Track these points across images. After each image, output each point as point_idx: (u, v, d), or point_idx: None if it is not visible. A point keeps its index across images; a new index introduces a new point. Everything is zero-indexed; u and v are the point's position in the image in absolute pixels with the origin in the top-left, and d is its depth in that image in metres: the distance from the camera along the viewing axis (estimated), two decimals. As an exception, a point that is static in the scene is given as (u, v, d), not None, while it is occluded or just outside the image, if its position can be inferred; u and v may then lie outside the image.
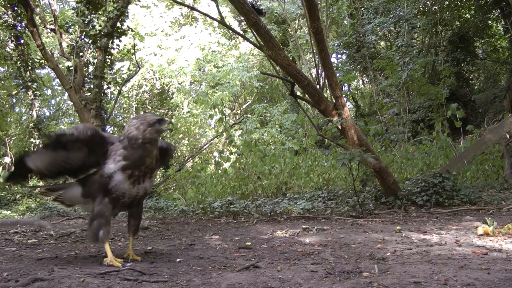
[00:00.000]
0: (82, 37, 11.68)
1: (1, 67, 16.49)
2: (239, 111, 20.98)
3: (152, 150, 2.74)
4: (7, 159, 12.59)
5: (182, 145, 20.18)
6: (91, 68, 11.92)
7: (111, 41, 11.52)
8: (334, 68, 6.55)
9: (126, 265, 2.55)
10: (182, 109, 20.35)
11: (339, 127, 5.17)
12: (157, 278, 2.20)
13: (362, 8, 16.69)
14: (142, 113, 19.74)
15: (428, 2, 15.23)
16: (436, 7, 14.72)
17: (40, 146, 2.79)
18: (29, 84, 13.58)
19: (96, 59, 11.50)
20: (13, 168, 2.85)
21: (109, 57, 11.88)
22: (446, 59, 14.71)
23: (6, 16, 12.83)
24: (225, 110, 12.88)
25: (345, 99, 7.84)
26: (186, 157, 17.06)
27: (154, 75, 20.79)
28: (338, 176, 7.51)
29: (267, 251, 3.06)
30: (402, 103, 12.83)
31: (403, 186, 5.57)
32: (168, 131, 18.89)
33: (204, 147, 16.94)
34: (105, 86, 12.13)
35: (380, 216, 4.86)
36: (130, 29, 12.57)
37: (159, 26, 20.55)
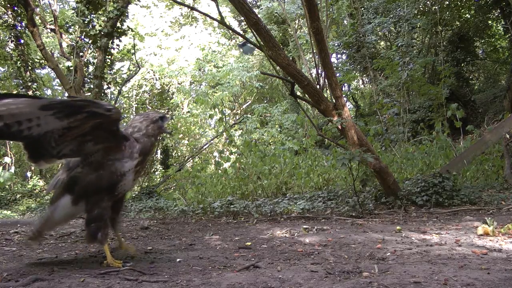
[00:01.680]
0: (82, 37, 11.70)
1: (1, 67, 16.50)
2: (239, 111, 20.98)
3: (154, 145, 2.76)
4: (7, 159, 12.59)
5: (182, 145, 20.18)
6: (91, 68, 11.95)
7: (111, 41, 11.54)
8: (334, 68, 6.55)
9: (126, 265, 2.55)
10: (182, 109, 20.36)
11: (339, 127, 5.17)
12: (157, 278, 2.20)
13: (362, 8, 16.70)
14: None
15: (428, 2, 15.24)
16: (436, 7, 14.74)
17: (38, 98, 2.37)
18: (29, 84, 13.60)
19: (96, 59, 11.53)
20: None
21: (109, 57, 11.91)
22: (446, 59, 14.73)
23: (6, 16, 12.85)
24: (225, 110, 12.90)
25: (345, 99, 7.85)
26: (186, 157, 17.06)
27: (154, 75, 20.80)
28: (338, 176, 7.50)
29: (267, 251, 3.06)
30: (402, 103, 12.83)
31: (403, 186, 5.57)
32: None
33: (204, 147, 16.94)
34: (105, 86, 12.16)
35: (380, 216, 4.86)
36: (130, 29, 12.60)
37: (159, 26, 20.58)
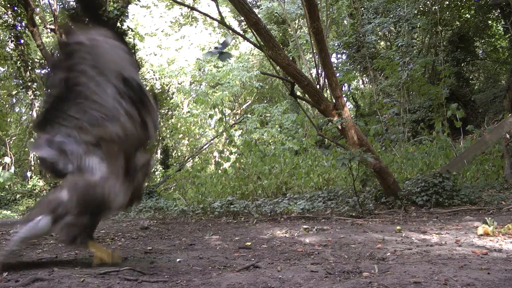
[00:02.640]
0: (82, 37, 11.68)
1: (1, 67, 16.50)
2: (239, 111, 20.98)
3: (142, 193, 2.71)
4: (7, 159, 12.58)
5: (182, 145, 20.19)
6: (91, 68, 11.92)
7: (111, 41, 11.52)
8: (334, 68, 6.56)
9: (126, 265, 2.55)
10: (182, 109, 20.35)
11: (339, 127, 5.17)
12: (157, 278, 2.20)
13: (362, 8, 16.70)
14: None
15: (428, 2, 15.24)
16: (436, 7, 14.73)
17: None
18: (29, 84, 13.58)
19: (96, 59, 11.52)
20: None
21: (109, 57, 11.89)
22: (446, 59, 14.72)
23: (6, 16, 12.84)
24: (225, 110, 12.90)
25: (345, 99, 7.85)
26: (186, 157, 17.06)
27: (154, 75, 20.79)
28: (338, 176, 7.51)
29: (267, 251, 3.06)
30: (402, 103, 12.83)
31: (403, 186, 5.57)
32: (168, 131, 18.92)
33: (204, 147, 16.94)
34: (105, 86, 12.14)
35: (380, 216, 4.86)
36: (130, 29, 12.59)
37: (159, 26, 20.56)
